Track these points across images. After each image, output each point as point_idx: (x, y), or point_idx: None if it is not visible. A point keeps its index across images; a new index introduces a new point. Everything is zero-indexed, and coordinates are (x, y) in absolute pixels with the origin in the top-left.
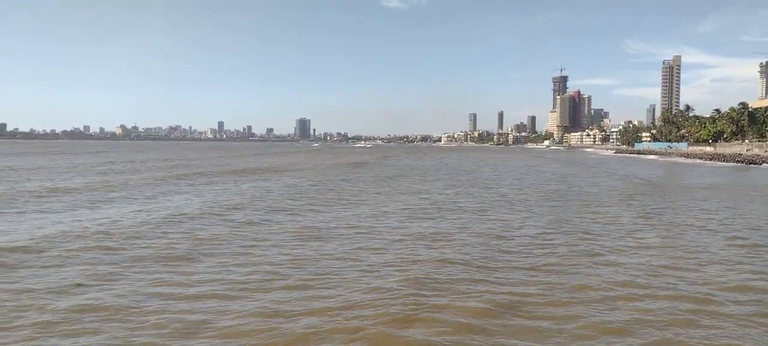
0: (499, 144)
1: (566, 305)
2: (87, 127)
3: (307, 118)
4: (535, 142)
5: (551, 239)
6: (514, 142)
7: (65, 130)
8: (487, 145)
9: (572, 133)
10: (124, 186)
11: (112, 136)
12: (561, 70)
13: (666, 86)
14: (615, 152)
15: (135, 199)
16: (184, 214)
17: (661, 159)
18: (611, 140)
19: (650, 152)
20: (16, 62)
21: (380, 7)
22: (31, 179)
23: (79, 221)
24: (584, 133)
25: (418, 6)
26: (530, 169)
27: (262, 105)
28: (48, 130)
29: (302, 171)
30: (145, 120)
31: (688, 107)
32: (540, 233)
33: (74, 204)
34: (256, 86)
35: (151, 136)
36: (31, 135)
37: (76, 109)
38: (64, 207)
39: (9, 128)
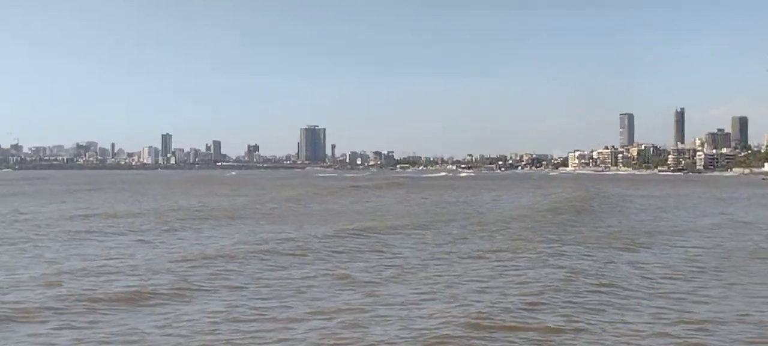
0: (679, 170)
1: None
2: None
3: (319, 126)
4: (750, 165)
5: None
6: (706, 166)
7: None
8: (656, 170)
9: None
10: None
11: None
12: None
13: None
14: None
15: None
16: None
17: None
18: None
19: None
20: None
21: None
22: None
23: None
24: None
25: None
26: None
27: (242, 108)
28: None
29: None
30: (34, 136)
31: None
32: None
33: None
34: (214, 78)
35: (45, 160)
36: None
37: None
38: None
39: None
